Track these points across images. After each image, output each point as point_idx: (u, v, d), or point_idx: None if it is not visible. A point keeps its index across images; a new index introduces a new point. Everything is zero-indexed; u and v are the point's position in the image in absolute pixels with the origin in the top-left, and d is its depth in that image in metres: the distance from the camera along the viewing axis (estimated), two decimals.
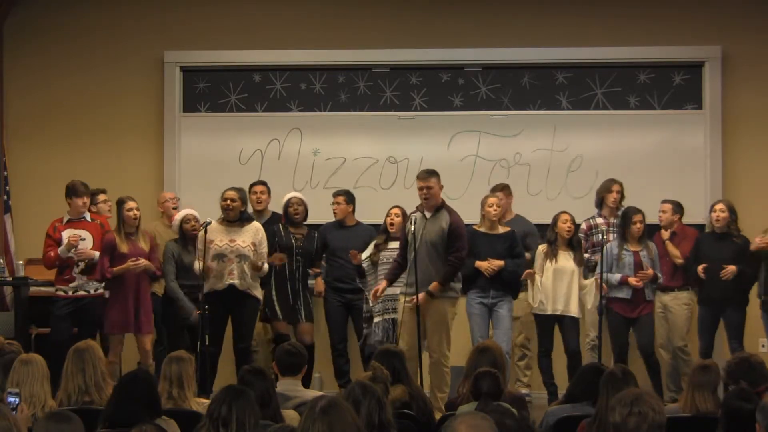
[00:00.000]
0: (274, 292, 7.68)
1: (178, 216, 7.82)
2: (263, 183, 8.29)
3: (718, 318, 7.60)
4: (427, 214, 6.97)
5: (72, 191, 7.63)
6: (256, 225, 7.50)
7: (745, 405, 4.02)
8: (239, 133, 8.94)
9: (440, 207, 7.01)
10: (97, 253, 7.53)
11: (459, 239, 6.96)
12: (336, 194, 8.15)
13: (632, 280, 7.49)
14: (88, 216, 7.73)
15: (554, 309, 7.62)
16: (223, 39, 9.00)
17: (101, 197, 8.08)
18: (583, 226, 8.00)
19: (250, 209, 8.08)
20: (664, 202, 8.01)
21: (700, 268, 7.49)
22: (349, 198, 8.08)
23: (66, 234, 7.55)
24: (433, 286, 6.86)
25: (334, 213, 8.08)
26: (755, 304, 7.64)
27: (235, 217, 7.40)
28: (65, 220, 7.69)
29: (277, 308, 7.65)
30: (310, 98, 8.98)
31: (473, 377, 4.83)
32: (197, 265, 7.31)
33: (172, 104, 8.93)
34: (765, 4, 8.91)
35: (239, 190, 7.51)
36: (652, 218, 7.90)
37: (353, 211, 8.08)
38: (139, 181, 8.61)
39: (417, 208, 7.08)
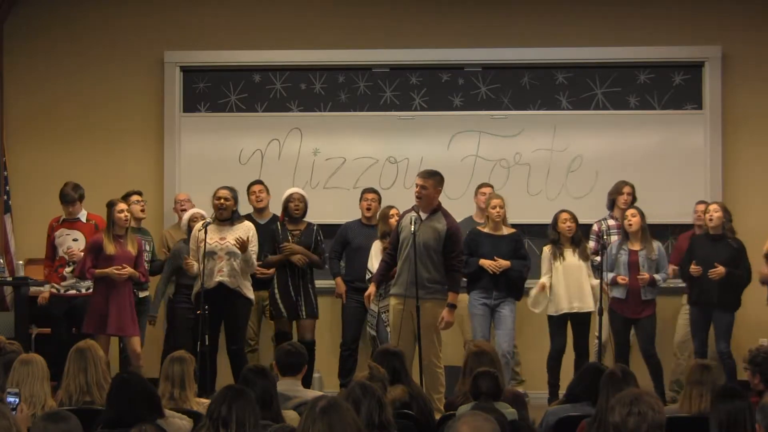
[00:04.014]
0: (276, 290, 7.68)
1: (186, 215, 7.86)
2: (260, 182, 8.31)
3: (709, 319, 7.56)
4: (423, 215, 6.92)
5: (61, 198, 7.67)
6: (247, 224, 7.50)
7: (734, 403, 4.02)
8: (239, 133, 8.94)
9: (436, 209, 6.93)
10: None
11: (457, 244, 6.91)
12: (368, 191, 8.19)
13: (620, 278, 7.50)
14: (83, 216, 7.74)
15: (570, 307, 7.60)
16: (223, 39, 9.00)
17: (134, 197, 8.01)
18: (594, 227, 8.01)
19: (247, 209, 8.13)
20: (701, 203, 7.94)
21: (692, 267, 7.45)
22: (380, 197, 8.17)
23: (59, 234, 7.66)
24: (452, 297, 6.83)
25: (366, 210, 8.10)
26: (749, 305, 7.62)
27: (227, 216, 7.38)
28: (61, 219, 7.74)
29: (281, 305, 7.65)
30: (310, 98, 8.98)
31: (472, 377, 4.84)
32: (190, 261, 7.34)
33: (172, 104, 8.93)
34: (765, 4, 8.91)
35: (231, 189, 7.48)
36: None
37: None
38: (139, 181, 8.59)
39: (413, 207, 7.02)
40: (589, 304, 7.61)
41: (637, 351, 7.71)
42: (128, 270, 7.22)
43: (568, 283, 7.61)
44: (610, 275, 7.52)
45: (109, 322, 7.19)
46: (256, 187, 8.24)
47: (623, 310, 7.55)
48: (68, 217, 7.72)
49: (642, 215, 7.61)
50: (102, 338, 7.25)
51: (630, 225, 7.58)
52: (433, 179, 6.89)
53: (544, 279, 7.69)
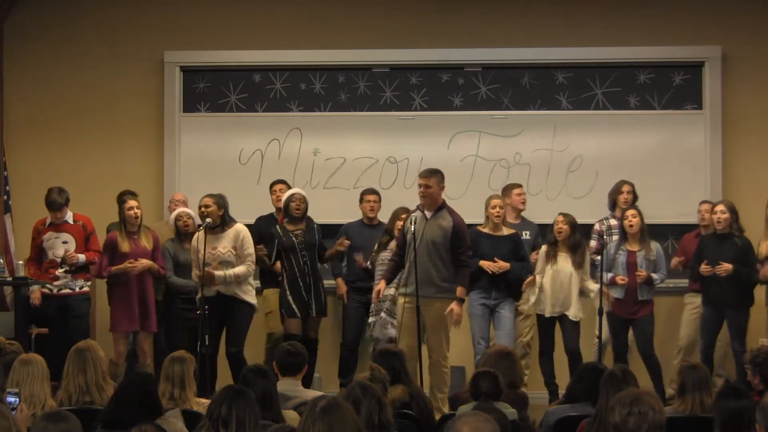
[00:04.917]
0: (288, 292, 7.66)
1: (173, 215, 7.89)
2: (283, 181, 8.29)
3: (721, 318, 7.59)
4: (428, 214, 6.93)
5: (48, 205, 7.64)
6: (236, 228, 7.44)
7: (738, 402, 4.02)
8: (239, 133, 8.94)
9: (441, 207, 6.96)
10: (81, 257, 7.57)
11: (463, 240, 6.94)
12: (369, 192, 8.19)
13: (619, 279, 7.50)
14: (70, 218, 7.73)
15: (552, 311, 7.61)
16: (223, 39, 9.00)
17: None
18: (596, 227, 8.02)
19: (269, 208, 8.15)
20: (705, 202, 7.97)
21: (702, 266, 7.47)
22: (379, 197, 8.17)
23: (47, 238, 7.64)
24: (460, 292, 6.85)
25: (369, 211, 8.10)
26: (758, 304, 7.64)
27: (214, 224, 7.36)
28: (48, 222, 7.71)
29: (294, 306, 7.62)
30: (310, 98, 8.98)
31: (472, 377, 4.84)
32: (195, 273, 7.32)
33: (172, 104, 8.93)
34: (765, 4, 8.91)
35: (214, 195, 7.43)
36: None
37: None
38: (139, 181, 8.59)
39: (417, 207, 7.04)
40: (572, 313, 7.56)
41: (636, 351, 7.70)
42: (143, 261, 7.29)
43: (554, 287, 7.60)
44: (608, 275, 7.53)
45: (135, 319, 7.30)
46: (278, 187, 8.23)
47: (620, 310, 7.56)
48: (55, 221, 7.71)
49: (641, 216, 7.61)
50: (122, 335, 7.30)
51: (631, 226, 7.59)
52: (435, 177, 6.94)
53: (536, 275, 7.69)
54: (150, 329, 7.43)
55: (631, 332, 7.71)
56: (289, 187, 8.22)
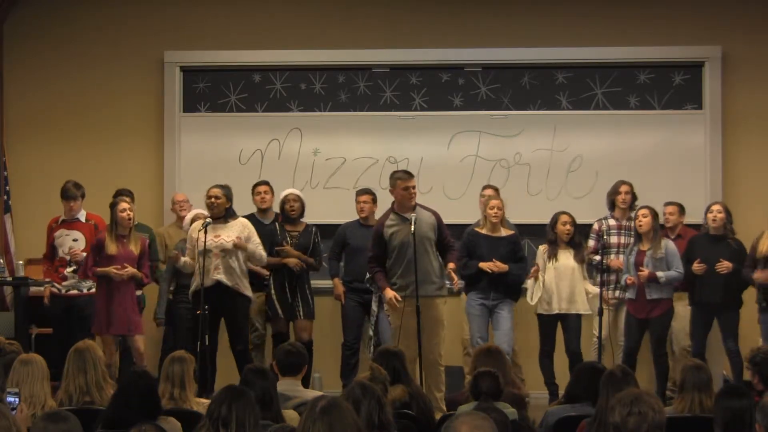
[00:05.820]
0: (273, 291, 7.69)
1: (188, 216, 7.87)
2: (266, 183, 8.29)
3: (711, 319, 7.56)
4: (408, 215, 6.90)
5: (62, 194, 7.64)
6: (242, 221, 7.49)
7: (739, 402, 4.03)
8: (239, 133, 8.94)
9: (414, 206, 7.01)
10: (85, 255, 7.54)
11: (445, 227, 7.09)
12: (362, 193, 8.14)
13: (628, 279, 7.49)
14: (83, 216, 7.73)
15: (559, 308, 7.60)
16: (223, 39, 9.00)
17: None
18: (595, 226, 7.99)
19: (251, 208, 8.12)
20: (669, 204, 8.00)
21: (695, 265, 7.43)
22: (374, 197, 8.12)
23: (58, 235, 7.64)
24: (452, 266, 6.96)
25: (359, 212, 8.06)
26: (750, 306, 7.63)
27: (219, 214, 7.38)
28: (60, 219, 7.72)
29: (278, 306, 7.67)
30: (310, 98, 8.98)
31: (473, 377, 4.85)
32: (181, 260, 7.36)
33: (172, 104, 8.93)
34: (765, 4, 8.92)
35: (223, 187, 7.48)
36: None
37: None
38: (139, 181, 8.61)
39: (395, 210, 6.99)
40: (578, 307, 7.60)
41: (641, 352, 7.69)
42: (128, 270, 7.21)
43: (559, 284, 7.61)
44: (624, 277, 7.53)
45: (114, 322, 7.20)
46: (262, 188, 8.22)
47: (636, 311, 7.52)
48: (67, 218, 7.70)
49: (655, 216, 7.52)
50: (109, 338, 7.26)
51: (640, 225, 7.52)
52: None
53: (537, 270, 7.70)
54: (133, 332, 7.26)
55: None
56: (272, 189, 8.22)
